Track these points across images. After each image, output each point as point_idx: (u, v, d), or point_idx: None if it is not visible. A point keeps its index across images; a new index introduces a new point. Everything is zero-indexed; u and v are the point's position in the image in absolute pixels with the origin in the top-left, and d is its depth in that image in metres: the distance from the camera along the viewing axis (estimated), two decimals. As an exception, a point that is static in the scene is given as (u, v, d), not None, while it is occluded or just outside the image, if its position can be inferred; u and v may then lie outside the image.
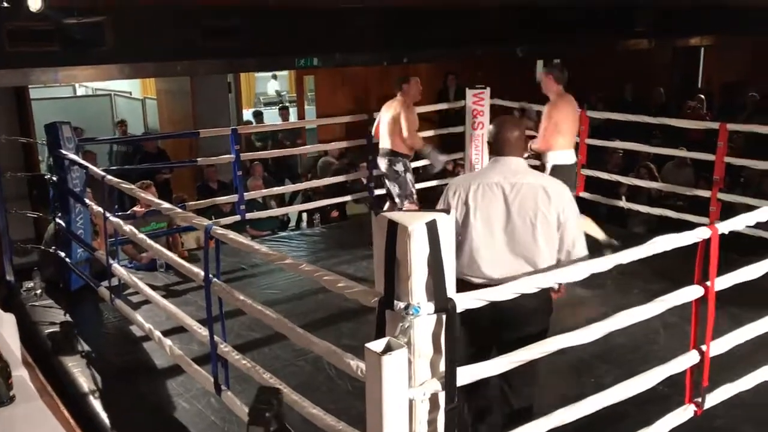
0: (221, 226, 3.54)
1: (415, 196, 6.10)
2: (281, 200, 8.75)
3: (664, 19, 11.90)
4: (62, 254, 5.51)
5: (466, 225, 3.01)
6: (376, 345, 2.26)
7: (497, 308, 2.65)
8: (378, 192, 7.37)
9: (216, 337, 3.53)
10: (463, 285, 2.83)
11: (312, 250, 6.60)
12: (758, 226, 3.58)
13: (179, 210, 3.98)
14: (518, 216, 2.97)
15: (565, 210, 2.99)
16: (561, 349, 2.81)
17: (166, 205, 4.09)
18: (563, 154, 5.50)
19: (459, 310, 2.46)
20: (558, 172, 5.23)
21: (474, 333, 2.96)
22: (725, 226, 3.16)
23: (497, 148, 3.12)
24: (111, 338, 4.87)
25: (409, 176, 6.11)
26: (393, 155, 6.04)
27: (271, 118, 12.23)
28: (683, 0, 12.08)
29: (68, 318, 5.03)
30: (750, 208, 5.07)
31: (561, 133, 5.44)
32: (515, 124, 3.23)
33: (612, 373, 4.00)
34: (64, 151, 5.32)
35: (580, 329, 2.91)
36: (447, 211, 2.47)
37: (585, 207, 7.25)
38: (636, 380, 3.09)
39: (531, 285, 2.69)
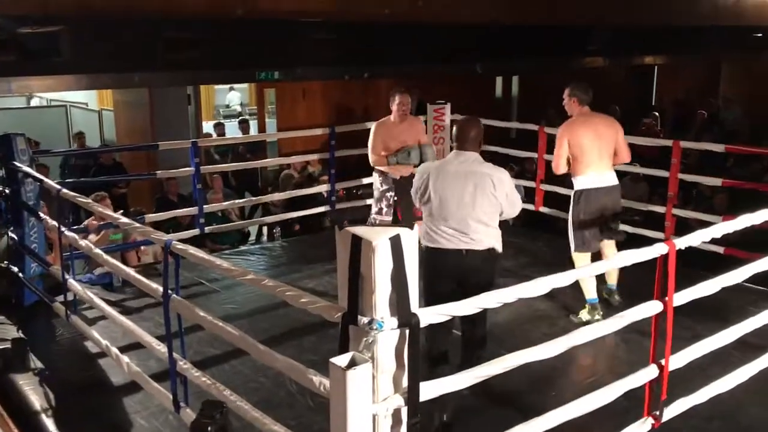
0: (180, 240, 3.49)
1: (385, 212, 5.94)
2: (242, 214, 8.67)
3: (618, 38, 12.19)
4: (15, 269, 5.37)
5: (429, 200, 3.79)
6: (341, 360, 2.25)
7: (459, 265, 3.69)
8: (340, 206, 7.36)
9: (175, 354, 3.47)
10: (428, 249, 3.76)
11: (273, 264, 6.54)
12: (712, 241, 3.66)
13: (137, 224, 3.91)
14: (472, 194, 3.70)
15: (507, 192, 3.79)
16: (523, 364, 2.84)
17: (123, 219, 4.01)
18: (579, 179, 5.01)
19: (422, 324, 2.47)
20: (574, 198, 5.06)
21: (438, 282, 3.71)
22: (683, 242, 3.23)
23: (460, 143, 3.83)
24: (65, 355, 4.74)
25: (385, 193, 5.93)
26: (374, 171, 6.02)
27: (231, 130, 12.13)
28: (635, 21, 12.41)
29: (20, 334, 4.88)
30: (703, 223, 5.23)
31: (575, 156, 4.94)
32: (475, 124, 3.88)
33: (573, 387, 4.04)
34: (17, 164, 5.18)
35: (542, 344, 2.94)
36: (411, 226, 2.48)
37: (544, 222, 7.42)
38: (596, 394, 3.13)
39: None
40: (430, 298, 3.44)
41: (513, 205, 3.85)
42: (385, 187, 5.92)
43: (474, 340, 3.80)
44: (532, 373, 3.94)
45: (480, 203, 3.68)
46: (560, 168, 5.03)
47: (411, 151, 5.71)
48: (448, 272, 3.71)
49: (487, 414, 3.80)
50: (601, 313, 4.87)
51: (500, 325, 4.86)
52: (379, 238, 2.33)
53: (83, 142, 9.85)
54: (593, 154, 4.92)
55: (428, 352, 3.65)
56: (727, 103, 14.55)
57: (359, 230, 2.40)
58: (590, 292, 4.96)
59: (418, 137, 5.91)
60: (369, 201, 7.76)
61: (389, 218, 5.90)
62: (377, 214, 5.98)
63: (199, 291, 5.64)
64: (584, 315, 4.95)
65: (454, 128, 3.90)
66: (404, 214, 5.92)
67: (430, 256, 3.74)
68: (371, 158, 5.97)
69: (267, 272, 6.24)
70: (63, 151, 9.49)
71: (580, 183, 5.00)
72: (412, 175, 5.16)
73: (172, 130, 9.00)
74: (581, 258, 5.09)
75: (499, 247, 3.79)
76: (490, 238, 3.74)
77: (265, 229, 8.63)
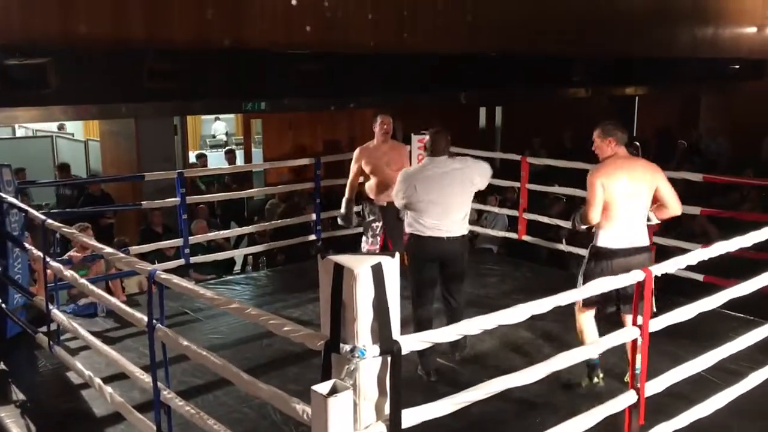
0: (164, 270, 3.51)
1: (371, 242, 5.93)
2: (227, 243, 8.67)
3: (600, 69, 12.42)
4: (-2, 300, 5.34)
5: (415, 200, 4.51)
6: (322, 387, 2.27)
7: (442, 250, 4.55)
8: (325, 235, 7.39)
9: (159, 384, 3.47)
10: (416, 237, 4.58)
11: (257, 293, 6.54)
12: (689, 268, 3.73)
13: (122, 255, 3.93)
14: (450, 190, 4.50)
15: (479, 172, 4.64)
16: (505, 391, 2.87)
17: (108, 249, 4.03)
18: (601, 234, 4.22)
19: (404, 352, 2.50)
20: (589, 254, 4.30)
21: (423, 266, 4.61)
22: (658, 269, 3.30)
23: (433, 151, 4.56)
24: (48, 386, 4.71)
25: (371, 224, 5.92)
26: (362, 199, 6.06)
27: (217, 160, 12.17)
28: (617, 52, 12.67)
29: (2, 366, 4.85)
30: (683, 250, 5.31)
31: (605, 207, 4.15)
32: (444, 136, 4.59)
33: (555, 412, 4.07)
34: (3, 194, 5.19)
35: (523, 370, 2.98)
36: (392, 254, 2.53)
37: (527, 250, 7.49)
38: (578, 420, 3.16)
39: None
40: (418, 280, 4.61)
41: (485, 175, 4.68)
42: (371, 217, 5.91)
43: (455, 308, 4.72)
44: (516, 400, 3.98)
45: (460, 199, 4.56)
46: (595, 218, 4.16)
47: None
48: (433, 257, 4.59)
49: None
50: (601, 375, 4.32)
51: (484, 352, 4.91)
52: (360, 266, 2.38)
53: (66, 175, 9.81)
54: (623, 205, 4.10)
55: (415, 318, 4.61)
56: (713, 132, 14.80)
57: (341, 259, 2.44)
58: (589, 350, 3.74)
59: (401, 161, 5.85)
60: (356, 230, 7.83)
61: (376, 247, 5.89)
62: (365, 244, 5.98)
63: (183, 320, 5.64)
64: (584, 381, 4.35)
65: (430, 136, 4.61)
66: (393, 240, 5.88)
67: (418, 244, 4.59)
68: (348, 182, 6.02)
69: (252, 302, 6.24)
70: (48, 182, 9.48)
71: (600, 239, 4.21)
72: None
73: (158, 160, 9.03)
74: (585, 319, 4.29)
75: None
76: (465, 226, 4.65)
77: (250, 259, 8.63)
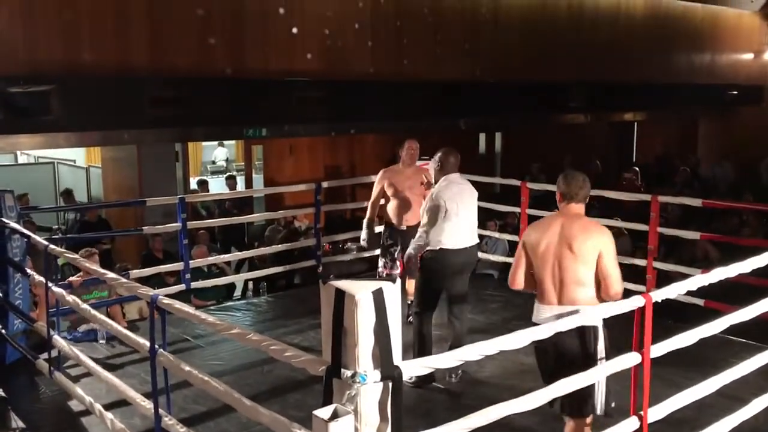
0: (165, 296, 3.52)
1: (390, 266, 5.91)
2: (228, 269, 8.68)
3: (599, 95, 12.52)
4: (-2, 326, 5.34)
5: (441, 218, 4.80)
6: (324, 412, 2.28)
7: (463, 259, 4.93)
8: (326, 260, 7.40)
9: (161, 410, 3.46)
10: (443, 252, 4.84)
11: (258, 319, 6.54)
12: (689, 293, 3.74)
13: (124, 280, 3.94)
14: (469, 202, 4.97)
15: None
16: (505, 417, 2.87)
17: (110, 274, 4.04)
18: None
19: (405, 378, 2.50)
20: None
21: (436, 280, 4.94)
22: (658, 295, 3.31)
23: (448, 169, 4.93)
24: (48, 413, 4.69)
25: (389, 248, 5.90)
26: (382, 223, 6.11)
27: (217, 186, 12.23)
28: (615, 78, 12.79)
29: (1, 393, 4.83)
30: (684, 275, 5.31)
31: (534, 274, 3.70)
32: (455, 153, 4.99)
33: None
34: (5, 220, 5.22)
35: (524, 396, 2.97)
36: (393, 280, 2.54)
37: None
38: (579, 446, 3.15)
39: None
40: (430, 296, 4.94)
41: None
42: (390, 241, 5.89)
43: (459, 332, 4.97)
44: (517, 428, 3.96)
45: (474, 210, 5.03)
46: (516, 283, 3.74)
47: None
48: (455, 268, 4.90)
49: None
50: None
51: (486, 379, 4.90)
52: (361, 291, 2.39)
53: (73, 199, 9.86)
54: (548, 276, 3.51)
55: (418, 332, 4.91)
56: (718, 157, 14.87)
57: (342, 284, 2.45)
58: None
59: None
60: (355, 254, 7.83)
61: (395, 272, 5.87)
62: (383, 268, 5.97)
63: (183, 347, 5.63)
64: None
65: (442, 155, 4.95)
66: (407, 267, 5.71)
67: (442, 258, 4.84)
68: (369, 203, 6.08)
69: (253, 328, 6.22)
70: (49, 208, 9.53)
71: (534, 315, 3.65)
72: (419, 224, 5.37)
73: (160, 186, 9.09)
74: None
75: None
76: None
77: (250, 285, 8.63)
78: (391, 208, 5.88)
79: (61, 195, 10.05)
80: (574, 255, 3.39)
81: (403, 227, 5.81)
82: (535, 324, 3.36)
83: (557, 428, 4.16)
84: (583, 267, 3.38)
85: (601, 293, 3.41)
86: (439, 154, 4.98)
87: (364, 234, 6.09)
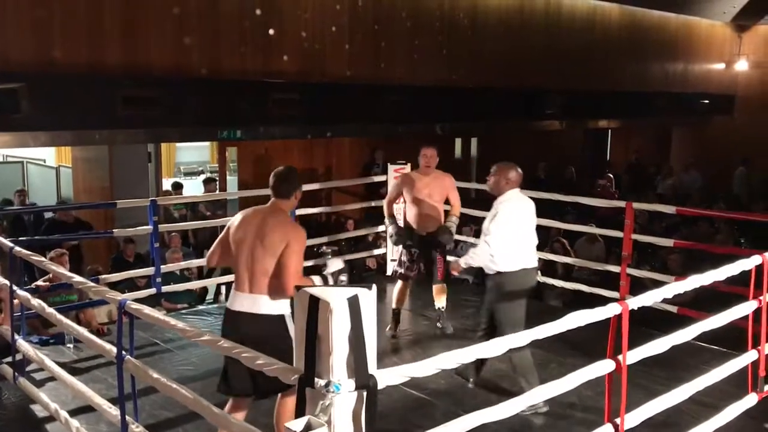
0: (136, 299, 3.43)
1: (406, 266, 5.80)
2: (199, 273, 8.55)
3: (574, 103, 12.61)
4: (-40, 329, 5.19)
5: (510, 233, 4.44)
6: (296, 424, 2.22)
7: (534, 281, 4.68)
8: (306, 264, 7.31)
9: (127, 417, 3.37)
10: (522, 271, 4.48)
11: (231, 323, 6.43)
12: (666, 301, 3.74)
13: (91, 284, 3.84)
14: (532, 220, 4.63)
15: None
16: (481, 425, 2.83)
17: (77, 278, 3.94)
18: None
19: (380, 387, 2.45)
20: None
21: (522, 302, 4.55)
22: (635, 302, 3.30)
23: (512, 184, 4.55)
24: (10, 421, 4.53)
25: (410, 248, 5.79)
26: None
27: (192, 187, 12.07)
28: (590, 86, 12.90)
29: (-37, 398, 4.70)
30: (657, 282, 5.33)
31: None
32: (516, 168, 4.61)
33: (531, 447, 4.04)
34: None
35: (500, 404, 2.94)
36: (369, 286, 2.49)
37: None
38: (554, 455, 3.13)
39: None
40: (519, 318, 4.45)
41: None
42: (409, 242, 5.79)
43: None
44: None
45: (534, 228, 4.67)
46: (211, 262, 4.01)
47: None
48: (530, 290, 4.63)
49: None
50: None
51: (461, 384, 4.85)
52: (336, 298, 2.34)
53: (23, 200, 9.62)
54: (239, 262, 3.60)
55: (526, 361, 4.49)
56: (688, 167, 15.06)
57: (316, 291, 2.40)
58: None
59: (446, 192, 5.79)
60: (329, 258, 7.75)
61: (412, 273, 5.78)
62: (398, 266, 5.88)
63: (153, 351, 5.52)
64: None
65: (505, 168, 4.59)
66: (428, 270, 5.76)
67: (521, 278, 4.48)
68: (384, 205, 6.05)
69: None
70: (16, 209, 9.31)
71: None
72: (444, 231, 5.58)
73: (131, 187, 8.94)
74: None
75: None
76: None
77: (223, 288, 8.51)
78: (411, 215, 5.79)
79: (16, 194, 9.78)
80: (263, 248, 3.49)
81: (423, 233, 5.75)
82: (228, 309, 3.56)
83: (530, 431, 4.15)
84: (271, 259, 3.47)
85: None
86: (501, 167, 4.61)
87: (390, 229, 5.96)
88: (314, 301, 2.36)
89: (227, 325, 3.54)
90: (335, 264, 3.86)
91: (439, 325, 6.00)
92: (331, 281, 3.70)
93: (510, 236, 4.44)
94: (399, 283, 5.90)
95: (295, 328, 2.45)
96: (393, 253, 5.98)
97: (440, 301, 5.90)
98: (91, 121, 7.69)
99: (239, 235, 3.58)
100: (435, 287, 5.87)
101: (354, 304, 2.36)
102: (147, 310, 3.22)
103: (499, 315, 4.53)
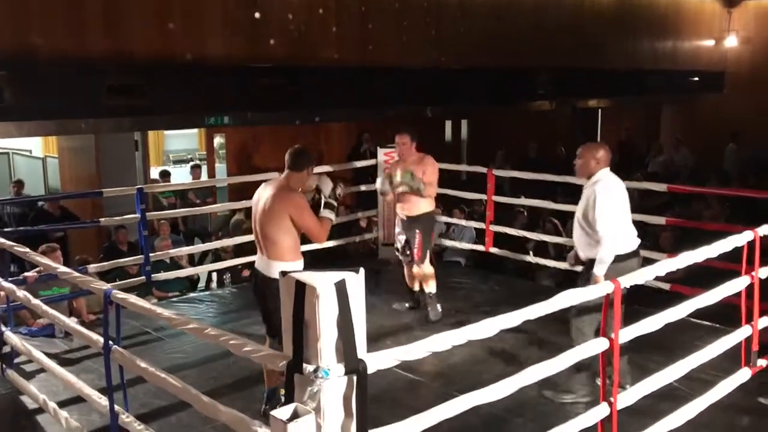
0: (126, 288, 3.39)
1: (399, 252, 5.88)
2: (191, 260, 8.50)
3: (564, 82, 12.55)
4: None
5: (617, 214, 4.23)
6: (282, 412, 2.18)
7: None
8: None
9: (117, 407, 3.33)
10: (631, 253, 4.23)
11: (222, 311, 6.40)
12: (658, 278, 3.72)
13: (76, 274, 3.78)
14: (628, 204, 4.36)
15: None
16: (474, 406, 2.81)
17: (62, 268, 3.89)
18: None
19: (370, 371, 2.42)
20: None
21: None
22: (626, 281, 3.27)
23: (602, 164, 4.32)
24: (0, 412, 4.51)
25: (397, 235, 5.89)
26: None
27: (180, 175, 11.98)
28: (580, 65, 12.82)
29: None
30: (649, 260, 5.31)
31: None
32: (605, 146, 4.43)
33: (526, 427, 4.02)
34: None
35: (492, 385, 2.91)
36: (357, 270, 2.44)
37: (495, 262, 7.48)
38: (549, 435, 3.11)
39: None
40: None
41: None
42: (397, 229, 5.89)
43: None
44: (485, 415, 3.91)
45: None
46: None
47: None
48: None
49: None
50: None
51: (454, 365, 4.84)
52: (323, 283, 2.29)
53: (19, 191, 9.55)
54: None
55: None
56: (677, 144, 15.02)
57: (303, 275, 2.35)
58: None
59: (424, 175, 5.67)
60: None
61: (407, 258, 5.82)
62: (396, 252, 6.00)
63: (145, 340, 5.48)
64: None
65: (594, 148, 4.37)
66: (419, 249, 5.71)
67: (633, 260, 4.21)
68: None
69: (216, 319, 6.11)
70: (5, 200, 9.20)
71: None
72: (423, 216, 5.58)
73: (119, 176, 8.85)
74: None
75: None
76: None
77: (214, 276, 8.46)
78: (396, 200, 5.81)
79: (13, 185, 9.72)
80: (267, 217, 3.91)
81: (403, 217, 5.78)
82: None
83: (525, 415, 4.13)
84: (275, 227, 3.89)
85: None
86: (588, 147, 4.43)
87: (378, 182, 5.99)
88: (300, 287, 2.32)
89: (252, 280, 4.24)
90: (327, 184, 4.17)
91: (407, 306, 6.01)
92: (333, 202, 4.12)
93: (616, 216, 4.23)
94: (405, 268, 5.99)
95: (282, 314, 2.41)
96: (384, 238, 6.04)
97: (429, 287, 5.80)
98: (76, 110, 7.59)
99: (254, 207, 4.06)
100: (415, 271, 5.79)
101: (341, 288, 2.32)
102: (133, 299, 3.17)
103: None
